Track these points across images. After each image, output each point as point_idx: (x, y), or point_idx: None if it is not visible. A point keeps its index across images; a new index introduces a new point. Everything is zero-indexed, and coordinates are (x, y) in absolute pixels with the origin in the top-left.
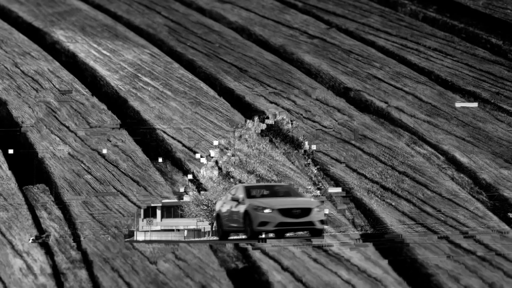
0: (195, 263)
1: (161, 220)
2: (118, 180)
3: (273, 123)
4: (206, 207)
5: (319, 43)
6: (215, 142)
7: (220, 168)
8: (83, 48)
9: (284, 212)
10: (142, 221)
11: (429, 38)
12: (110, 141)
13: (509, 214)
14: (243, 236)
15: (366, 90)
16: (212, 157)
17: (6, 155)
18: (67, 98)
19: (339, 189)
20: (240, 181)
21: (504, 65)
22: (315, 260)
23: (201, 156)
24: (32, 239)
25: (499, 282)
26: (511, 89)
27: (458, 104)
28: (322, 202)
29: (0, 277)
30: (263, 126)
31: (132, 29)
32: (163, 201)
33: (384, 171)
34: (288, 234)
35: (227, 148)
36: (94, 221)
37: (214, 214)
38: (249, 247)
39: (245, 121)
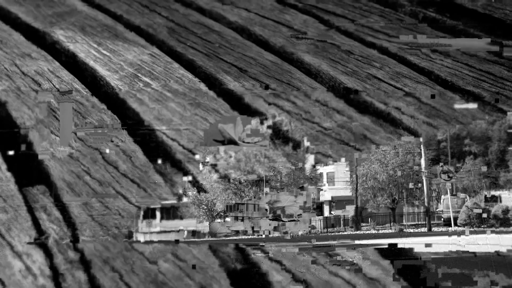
0: (195, 263)
1: (160, 222)
2: (117, 182)
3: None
4: (205, 207)
5: (319, 43)
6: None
7: (217, 171)
8: (83, 48)
9: None
10: (142, 222)
11: (429, 38)
12: (112, 142)
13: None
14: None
15: (366, 90)
16: (208, 162)
17: (5, 156)
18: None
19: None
20: (240, 182)
21: (504, 65)
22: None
23: (200, 163)
24: (27, 242)
25: None
26: (511, 89)
27: (457, 106)
28: None
29: None
30: (264, 128)
31: (132, 29)
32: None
33: None
34: None
35: (225, 152)
36: (94, 222)
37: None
38: (249, 248)
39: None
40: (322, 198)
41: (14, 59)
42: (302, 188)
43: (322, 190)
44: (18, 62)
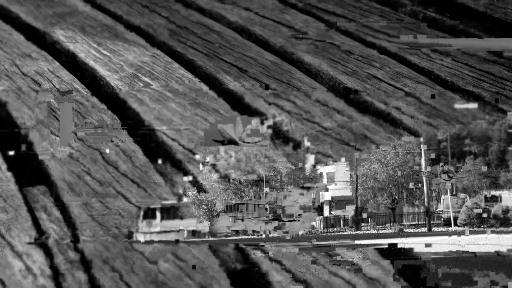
0: (195, 263)
1: (160, 222)
2: (117, 182)
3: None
4: (205, 207)
5: (319, 43)
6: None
7: (218, 171)
8: (83, 48)
9: None
10: (142, 222)
11: (429, 38)
12: (112, 142)
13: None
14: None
15: (366, 90)
16: (208, 162)
17: (5, 156)
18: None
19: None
20: (240, 182)
21: (504, 65)
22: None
23: (200, 162)
24: (27, 242)
25: None
26: (511, 89)
27: (457, 106)
28: None
29: (0, 278)
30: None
31: (132, 29)
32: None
33: None
34: None
35: (225, 152)
36: (94, 222)
37: None
38: (249, 248)
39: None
40: (322, 198)
41: (15, 59)
42: (303, 187)
43: (325, 190)
44: (18, 62)
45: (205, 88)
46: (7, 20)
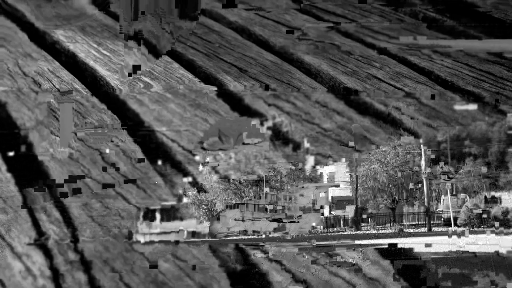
0: (195, 264)
1: (160, 223)
2: (118, 182)
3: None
4: (205, 208)
5: (319, 44)
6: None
7: (217, 172)
8: (83, 48)
9: None
10: (142, 223)
11: (429, 38)
12: (112, 142)
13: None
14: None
15: (366, 90)
16: (208, 163)
17: (5, 157)
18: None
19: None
20: (239, 182)
21: (504, 65)
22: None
23: (200, 163)
24: (27, 243)
25: None
26: (511, 89)
27: (457, 107)
28: None
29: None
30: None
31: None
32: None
33: None
34: None
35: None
36: (94, 223)
37: None
38: (248, 248)
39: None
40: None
41: (18, 58)
42: (302, 187)
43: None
44: (21, 62)
45: (211, 88)
46: (13, 19)
